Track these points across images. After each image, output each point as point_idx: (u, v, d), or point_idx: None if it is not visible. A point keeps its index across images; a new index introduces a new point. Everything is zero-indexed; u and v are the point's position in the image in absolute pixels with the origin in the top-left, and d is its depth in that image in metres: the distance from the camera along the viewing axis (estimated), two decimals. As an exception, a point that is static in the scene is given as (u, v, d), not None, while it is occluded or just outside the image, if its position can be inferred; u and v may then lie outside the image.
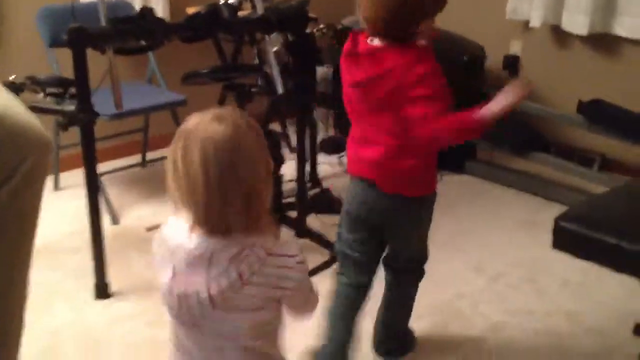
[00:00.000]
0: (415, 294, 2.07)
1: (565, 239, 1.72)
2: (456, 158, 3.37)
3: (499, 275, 2.55)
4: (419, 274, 2.07)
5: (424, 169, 1.86)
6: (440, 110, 1.68)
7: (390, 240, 1.97)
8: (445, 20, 3.63)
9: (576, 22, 3.30)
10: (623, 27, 3.20)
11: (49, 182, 3.31)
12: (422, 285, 2.39)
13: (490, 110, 1.66)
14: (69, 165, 3.31)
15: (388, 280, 2.06)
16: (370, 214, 1.89)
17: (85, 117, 2.31)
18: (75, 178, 3.17)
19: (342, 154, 3.66)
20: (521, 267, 2.62)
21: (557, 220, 1.74)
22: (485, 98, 1.75)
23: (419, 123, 1.69)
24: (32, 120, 1.50)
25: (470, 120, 1.68)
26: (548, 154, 3.31)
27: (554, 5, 3.38)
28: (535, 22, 3.45)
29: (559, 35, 3.47)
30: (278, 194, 2.76)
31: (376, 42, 1.78)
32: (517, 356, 2.14)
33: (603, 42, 3.32)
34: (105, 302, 2.43)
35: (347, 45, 1.83)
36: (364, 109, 1.82)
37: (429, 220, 1.95)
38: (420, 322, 2.28)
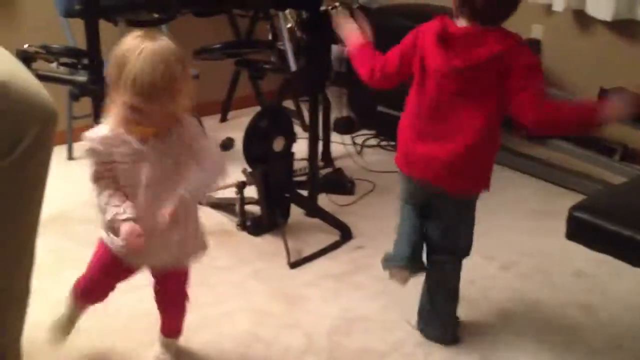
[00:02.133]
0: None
1: (579, 230, 1.68)
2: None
3: (511, 263, 2.51)
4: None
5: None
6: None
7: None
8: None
9: (601, 7, 3.23)
10: (648, 13, 3.13)
11: (63, 151, 3.33)
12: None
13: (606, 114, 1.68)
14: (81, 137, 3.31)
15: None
16: None
17: (96, 88, 2.30)
18: (87, 149, 3.17)
19: (356, 134, 3.63)
20: (534, 256, 2.58)
21: (571, 210, 1.70)
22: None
23: (535, 107, 1.73)
24: (38, 89, 1.49)
25: (588, 114, 1.73)
26: (568, 142, 3.24)
27: (579, -11, 3.31)
28: (558, 6, 3.38)
29: (582, 20, 3.39)
30: (289, 172, 2.73)
31: (464, 24, 1.78)
32: (525, 346, 2.10)
33: (627, 28, 3.24)
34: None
35: (435, 29, 1.80)
36: (453, 98, 1.80)
37: None
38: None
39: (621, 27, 3.25)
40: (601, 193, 1.81)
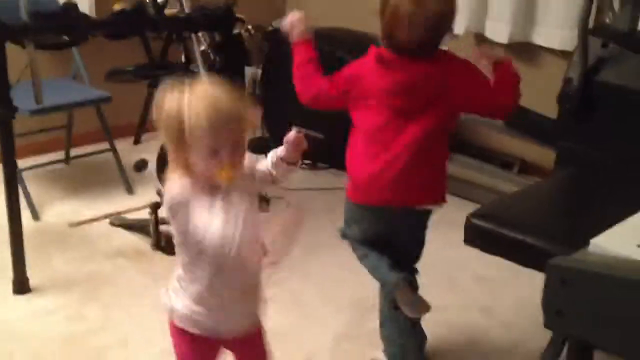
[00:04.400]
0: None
1: (476, 236, 1.80)
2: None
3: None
4: None
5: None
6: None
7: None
8: (373, 26, 3.71)
9: (497, 30, 3.43)
10: (540, 37, 3.35)
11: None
12: (344, 280, 2.44)
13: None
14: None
15: None
16: None
17: (3, 112, 2.27)
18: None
19: (270, 155, 3.69)
20: (438, 264, 2.68)
21: (468, 218, 1.81)
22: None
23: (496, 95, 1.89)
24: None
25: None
26: (469, 157, 3.41)
27: (478, 13, 3.50)
28: (459, 29, 3.56)
29: (482, 42, 3.59)
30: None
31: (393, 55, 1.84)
32: (431, 350, 2.20)
33: (523, 50, 3.45)
34: (24, 297, 2.41)
35: (373, 55, 1.86)
36: (397, 115, 1.84)
37: None
38: (339, 315, 2.35)
39: (516, 48, 3.46)
40: (495, 201, 1.94)
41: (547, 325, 1.32)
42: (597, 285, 1.17)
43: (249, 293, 1.54)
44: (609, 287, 1.16)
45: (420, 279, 2.49)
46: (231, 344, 1.60)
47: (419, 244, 2.10)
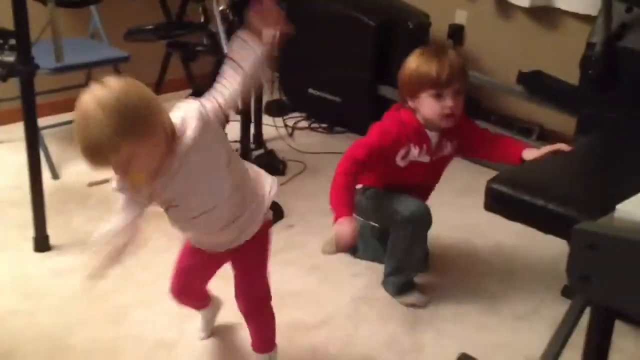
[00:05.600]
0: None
1: (496, 201, 1.78)
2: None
3: (436, 238, 2.62)
4: None
5: None
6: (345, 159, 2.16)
7: None
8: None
9: (519, -7, 3.38)
10: (563, 1, 3.29)
11: (-14, 135, 3.26)
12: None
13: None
14: (6, 119, 3.26)
15: None
16: None
17: (25, 69, 2.27)
18: (13, 132, 3.12)
19: (287, 116, 3.68)
20: (458, 231, 2.71)
21: (488, 183, 1.80)
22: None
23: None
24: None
25: None
26: (488, 123, 3.38)
27: (499, -24, 3.45)
28: (480, -8, 3.52)
29: (503, 6, 3.54)
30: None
31: None
32: (449, 315, 2.22)
33: (544, 14, 3.41)
34: (45, 254, 2.44)
35: None
36: None
37: None
38: (357, 279, 2.37)
39: (538, 13, 3.41)
40: (516, 167, 1.93)
41: (572, 290, 1.32)
42: (625, 251, 1.17)
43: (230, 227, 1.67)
44: (637, 253, 1.16)
45: (444, 243, 2.53)
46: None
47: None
